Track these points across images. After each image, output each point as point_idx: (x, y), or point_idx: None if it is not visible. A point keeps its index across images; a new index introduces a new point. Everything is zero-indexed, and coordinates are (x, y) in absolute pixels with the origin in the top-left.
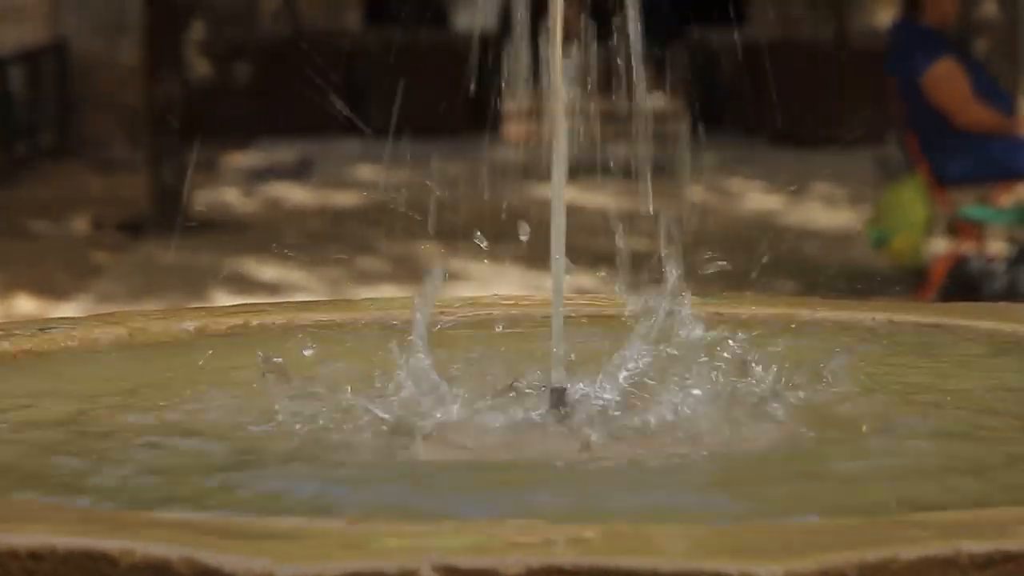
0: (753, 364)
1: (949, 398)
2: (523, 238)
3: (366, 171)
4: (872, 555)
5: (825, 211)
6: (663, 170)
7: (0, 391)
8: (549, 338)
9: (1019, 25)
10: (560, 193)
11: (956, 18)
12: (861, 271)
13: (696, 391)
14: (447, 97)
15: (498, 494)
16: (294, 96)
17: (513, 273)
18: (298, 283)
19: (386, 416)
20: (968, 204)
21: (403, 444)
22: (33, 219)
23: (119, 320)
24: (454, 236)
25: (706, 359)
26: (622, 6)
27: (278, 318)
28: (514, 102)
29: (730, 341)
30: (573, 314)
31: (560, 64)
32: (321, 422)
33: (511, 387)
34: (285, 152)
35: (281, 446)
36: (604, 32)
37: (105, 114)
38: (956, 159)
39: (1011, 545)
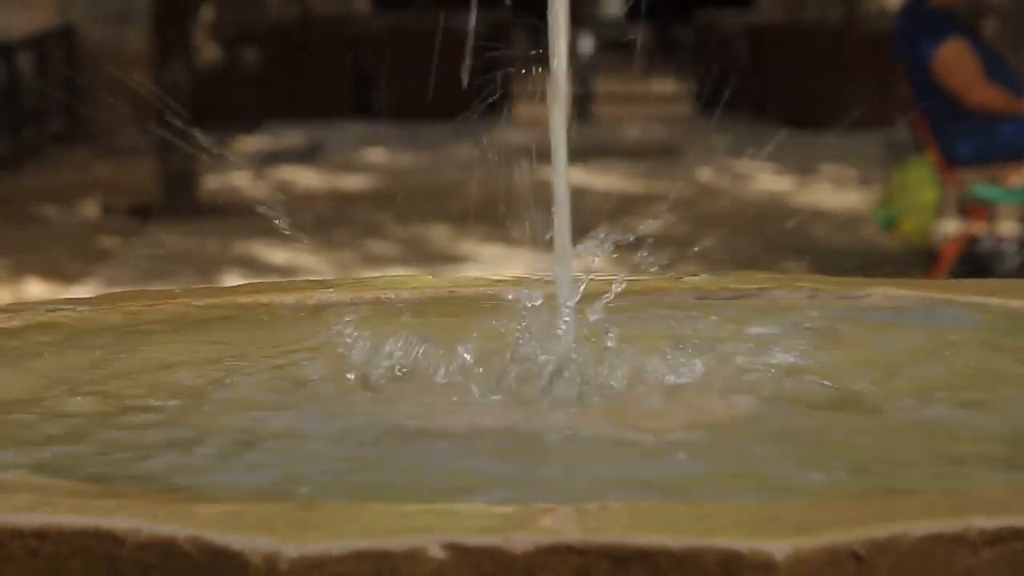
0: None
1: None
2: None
3: (374, 154)
4: (881, 531)
5: (835, 193)
6: (672, 152)
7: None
8: None
9: None
10: (563, 171)
11: None
12: (871, 253)
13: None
14: (455, 81)
15: None
16: (302, 80)
17: (522, 255)
18: (307, 266)
19: None
20: (978, 185)
21: None
22: (42, 204)
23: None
24: (463, 219)
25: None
26: None
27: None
28: (523, 85)
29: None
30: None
31: (564, 45)
32: None
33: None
34: (293, 136)
35: None
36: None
37: (113, 100)
38: (966, 140)
39: (1020, 521)
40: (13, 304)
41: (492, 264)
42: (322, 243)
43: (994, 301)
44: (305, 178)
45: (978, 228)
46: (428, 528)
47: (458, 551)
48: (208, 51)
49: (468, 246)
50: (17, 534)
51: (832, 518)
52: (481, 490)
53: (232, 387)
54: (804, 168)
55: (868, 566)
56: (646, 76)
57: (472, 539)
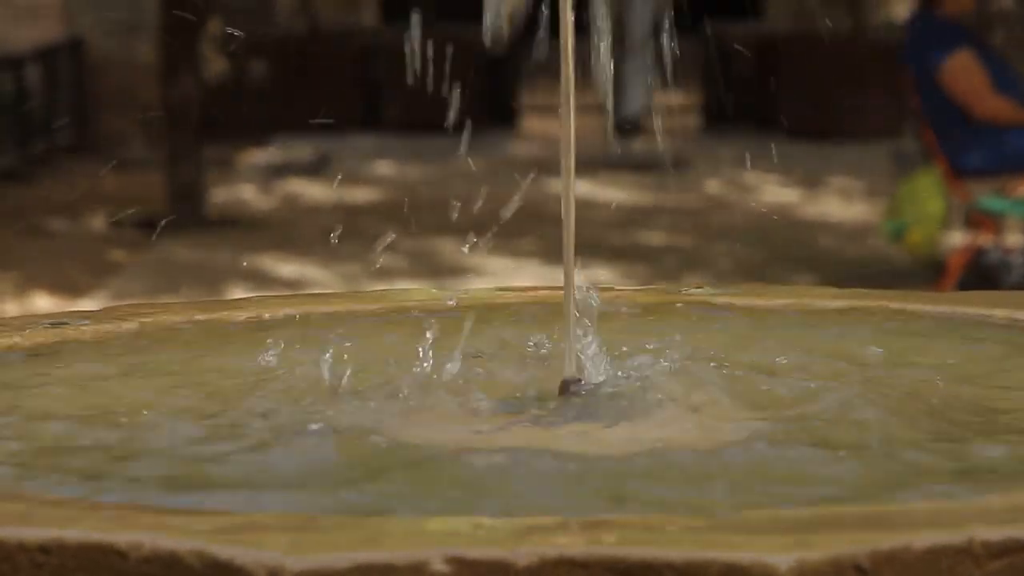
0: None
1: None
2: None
3: (383, 167)
4: (885, 543)
5: (841, 204)
6: (680, 163)
7: None
8: None
9: None
10: (570, 185)
11: (973, 10)
12: (879, 264)
13: None
14: (464, 93)
15: None
16: (311, 93)
17: (529, 267)
18: (315, 279)
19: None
20: (985, 196)
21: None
22: (50, 217)
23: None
24: (471, 231)
25: None
26: None
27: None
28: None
29: None
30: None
31: (571, 55)
32: None
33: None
34: (302, 149)
35: None
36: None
37: (121, 112)
38: (973, 151)
39: None
40: (16, 318)
41: (500, 277)
42: (330, 256)
43: (998, 312)
44: (313, 191)
45: (985, 239)
46: (431, 541)
47: (461, 564)
48: (216, 63)
49: (476, 259)
50: (22, 548)
51: (836, 530)
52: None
53: None
54: (812, 179)
55: None
56: (654, 87)
57: (475, 552)
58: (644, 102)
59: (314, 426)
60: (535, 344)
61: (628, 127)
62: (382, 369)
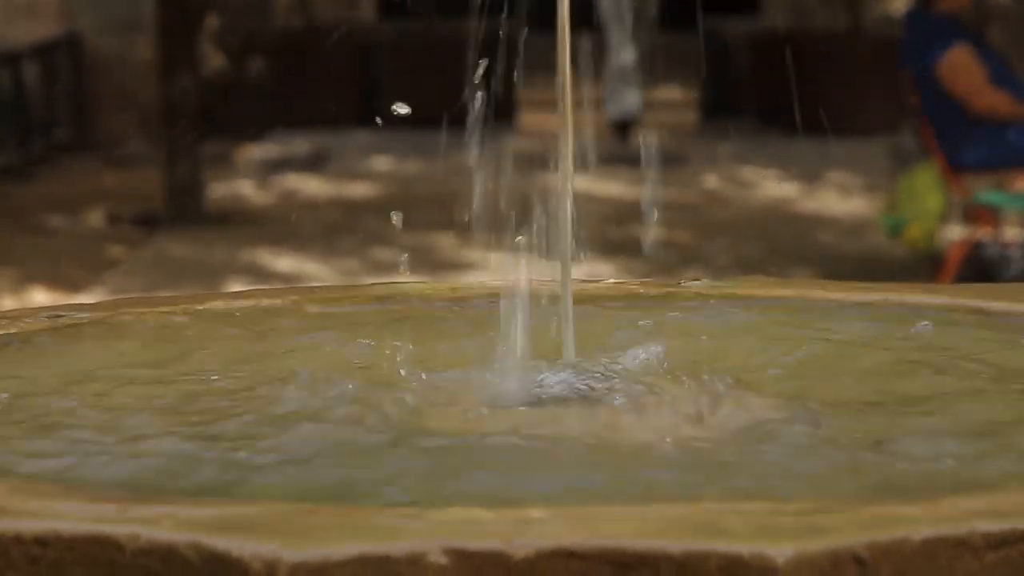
0: None
1: None
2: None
3: (381, 162)
4: (884, 535)
5: (841, 200)
6: (678, 159)
7: None
8: None
9: None
10: (568, 176)
11: (970, 6)
12: (877, 259)
13: None
14: (460, 89)
15: None
16: (308, 89)
17: (528, 262)
18: (313, 274)
19: None
20: (983, 190)
21: None
22: (48, 214)
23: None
24: (468, 227)
25: None
26: None
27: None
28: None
29: None
30: None
31: (567, 50)
32: None
33: None
34: (299, 144)
35: None
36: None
37: (120, 109)
38: (971, 146)
39: None
40: (13, 310)
41: (497, 271)
42: (328, 251)
43: (996, 305)
44: (311, 186)
45: (983, 233)
46: (429, 533)
47: (459, 556)
48: (214, 60)
49: (473, 253)
50: (18, 540)
51: (834, 521)
52: None
53: None
54: (810, 175)
55: (871, 570)
56: (652, 83)
57: (473, 544)
58: (642, 97)
59: None
60: None
61: (626, 122)
62: None
